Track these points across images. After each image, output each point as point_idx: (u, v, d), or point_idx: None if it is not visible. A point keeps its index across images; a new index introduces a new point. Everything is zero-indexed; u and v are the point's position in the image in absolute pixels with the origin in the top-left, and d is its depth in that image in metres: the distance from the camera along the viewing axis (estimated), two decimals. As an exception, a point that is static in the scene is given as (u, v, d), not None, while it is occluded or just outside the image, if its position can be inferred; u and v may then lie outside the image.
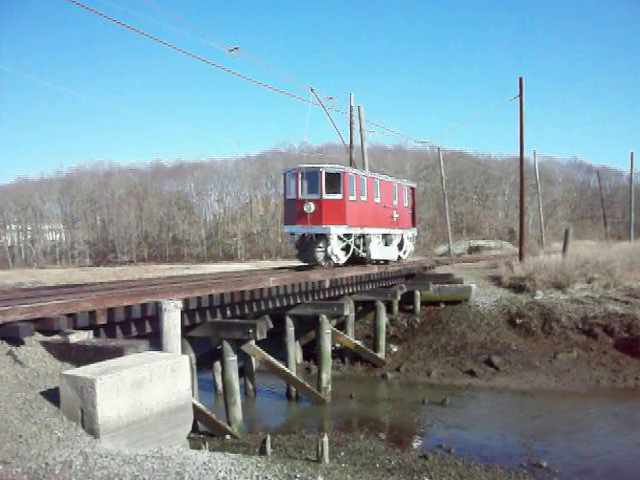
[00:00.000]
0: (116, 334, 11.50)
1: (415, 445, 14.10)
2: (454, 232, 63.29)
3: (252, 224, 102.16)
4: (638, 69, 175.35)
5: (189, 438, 10.30)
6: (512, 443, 14.29)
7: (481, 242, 65.74)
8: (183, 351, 12.61)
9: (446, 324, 23.56)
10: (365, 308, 24.14)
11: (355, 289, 21.96)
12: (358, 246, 24.03)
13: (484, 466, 11.86)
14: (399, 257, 28.22)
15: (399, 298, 23.60)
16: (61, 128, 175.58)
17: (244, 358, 18.00)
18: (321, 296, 19.57)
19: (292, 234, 23.42)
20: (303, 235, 23.08)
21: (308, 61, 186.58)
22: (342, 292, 20.96)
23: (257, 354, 16.49)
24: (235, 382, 14.85)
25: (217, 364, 17.87)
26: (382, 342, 22.61)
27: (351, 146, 32.36)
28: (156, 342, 11.51)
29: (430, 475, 10.69)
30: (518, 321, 22.96)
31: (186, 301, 12.88)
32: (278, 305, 17.41)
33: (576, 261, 26.76)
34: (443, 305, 24.69)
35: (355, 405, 18.16)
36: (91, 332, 10.18)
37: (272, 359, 16.66)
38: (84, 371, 7.87)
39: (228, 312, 15.22)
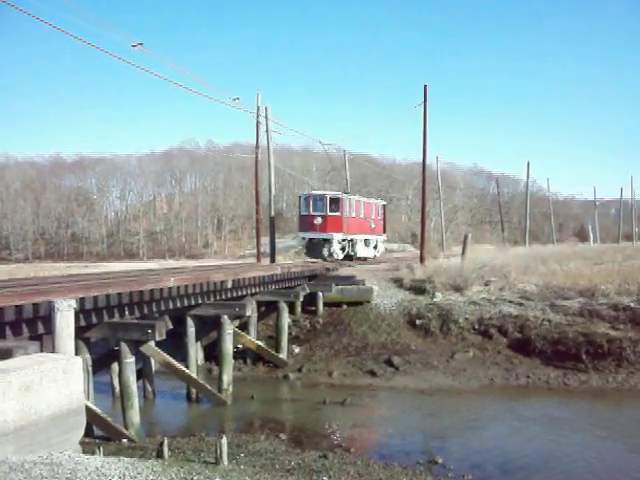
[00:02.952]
0: (6, 335, 10.95)
1: (315, 445, 14.12)
2: (358, 234, 63.96)
3: (155, 222, 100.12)
4: (535, 80, 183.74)
5: (83, 443, 9.96)
6: (410, 441, 14.57)
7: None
8: (78, 352, 12.19)
9: (348, 325, 23.81)
10: (268, 309, 24.04)
11: (258, 290, 21.89)
12: (349, 247, 34.08)
13: (382, 464, 11.99)
14: (375, 255, 38.40)
15: (302, 299, 23.72)
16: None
17: (143, 359, 17.59)
18: (223, 296, 19.37)
19: (304, 238, 33.43)
20: (311, 239, 32.91)
21: (215, 60, 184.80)
22: (245, 292, 20.82)
23: (156, 355, 16.13)
24: (132, 384, 14.44)
25: (115, 366, 17.34)
26: (284, 343, 22.61)
27: (257, 146, 32.35)
28: (49, 343, 11.07)
29: (329, 474, 10.72)
30: (418, 322, 23.48)
31: (82, 300, 12.44)
32: (179, 305, 17.07)
33: (474, 264, 27.64)
34: (345, 306, 24.92)
35: (256, 406, 18.05)
36: (-23, 333, 9.67)
37: (172, 360, 16.34)
38: (-33, 374, 7.46)
39: (127, 312, 14.82)
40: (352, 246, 34.59)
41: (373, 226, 37.90)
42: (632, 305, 22.53)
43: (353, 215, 34.21)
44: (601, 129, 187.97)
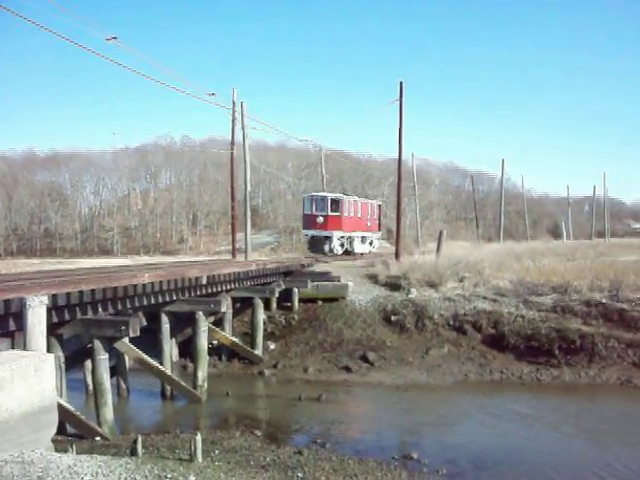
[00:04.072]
0: (-24, 332, 10.81)
1: (291, 441, 14.14)
2: (334, 230, 63.98)
3: (130, 218, 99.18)
4: (511, 80, 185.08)
5: (55, 441, 9.86)
6: (385, 436, 14.63)
7: (360, 241, 67.02)
8: (50, 350, 12.06)
9: (323, 321, 23.80)
10: (243, 305, 23.97)
11: (233, 286, 21.81)
12: (348, 243, 37.66)
13: (357, 459, 12.06)
14: (370, 251, 41.69)
15: (277, 295, 23.69)
16: None
17: (117, 356, 17.43)
18: (198, 292, 19.26)
19: (307, 235, 37.65)
20: (313, 236, 36.52)
21: (190, 54, 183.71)
22: (220, 289, 20.74)
23: (130, 352, 16.01)
24: (106, 381, 14.31)
25: (88, 363, 17.16)
26: (260, 339, 22.56)
27: (232, 142, 32.23)
28: (20, 340, 10.93)
29: (304, 470, 10.75)
30: (393, 318, 23.54)
31: (54, 297, 12.29)
32: (153, 302, 16.95)
33: (449, 261, 27.79)
34: (321, 302, 24.90)
35: (232, 403, 18.01)
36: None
37: (146, 357, 16.24)
38: (-64, 372, 7.33)
39: (100, 309, 14.68)
40: (350, 243, 38.13)
41: (369, 225, 41.71)
42: (604, 301, 22.83)
43: (351, 215, 37.78)
44: (574, 128, 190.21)
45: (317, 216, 36.10)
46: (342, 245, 37.23)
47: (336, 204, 36.39)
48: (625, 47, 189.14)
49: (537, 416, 16.20)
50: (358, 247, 39.47)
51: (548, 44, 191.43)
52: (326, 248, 35.89)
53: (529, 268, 27.91)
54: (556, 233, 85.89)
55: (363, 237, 40.81)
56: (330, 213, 36.12)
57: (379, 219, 44.69)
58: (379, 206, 45.53)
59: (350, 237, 38.24)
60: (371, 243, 42.87)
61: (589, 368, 19.97)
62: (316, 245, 36.63)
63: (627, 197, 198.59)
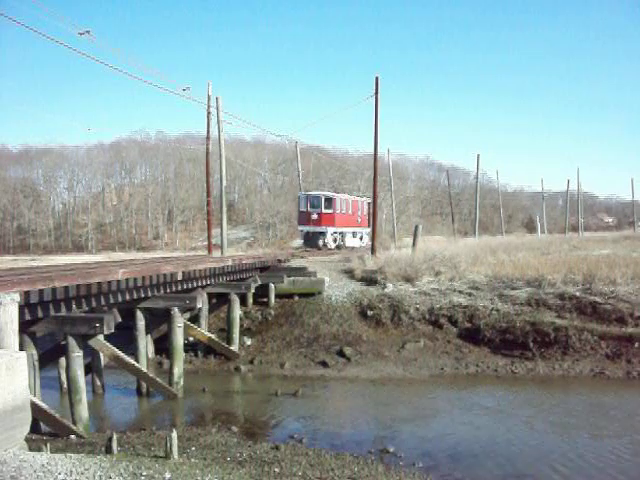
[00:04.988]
0: (-54, 330, 10.63)
1: (267, 437, 14.13)
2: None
3: (104, 214, 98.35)
4: (487, 77, 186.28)
5: (29, 440, 9.77)
6: (362, 431, 14.68)
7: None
8: (23, 348, 11.94)
9: (300, 316, 23.82)
10: (219, 301, 23.89)
11: (209, 282, 21.72)
12: (340, 238, 41.27)
13: (334, 454, 12.07)
14: (360, 245, 44.54)
15: (253, 291, 23.66)
16: None
17: (92, 354, 17.32)
18: (173, 289, 19.15)
19: (302, 231, 41.00)
20: (308, 231, 39.81)
21: (164, 48, 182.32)
22: (195, 285, 20.64)
23: (105, 349, 15.89)
24: (80, 379, 14.19)
25: (62, 361, 17.02)
26: (236, 335, 22.51)
27: (208, 136, 32.04)
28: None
29: (281, 465, 10.74)
30: (369, 313, 23.62)
31: (27, 294, 12.14)
32: (128, 298, 16.82)
33: (425, 255, 27.93)
34: (297, 298, 24.92)
35: (208, 399, 17.95)
36: None
37: (121, 354, 16.12)
38: None
39: (74, 306, 14.53)
40: (342, 238, 41.88)
41: (359, 221, 45.38)
42: (577, 294, 23.09)
43: (343, 211, 41.45)
44: (549, 123, 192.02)
45: (312, 213, 39.26)
46: (335, 240, 40.76)
47: (329, 202, 39.57)
48: (601, 47, 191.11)
49: (512, 409, 16.33)
50: (349, 242, 43.09)
51: (524, 42, 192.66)
52: (320, 243, 39.13)
53: (504, 262, 28.13)
54: (531, 227, 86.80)
55: (354, 232, 44.50)
56: (324, 210, 39.22)
57: (368, 215, 46.81)
58: (368, 204, 47.61)
59: (342, 232, 41.75)
60: (361, 238, 46.14)
61: (563, 360, 20.22)
62: (311, 240, 39.79)
63: (600, 191, 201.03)
